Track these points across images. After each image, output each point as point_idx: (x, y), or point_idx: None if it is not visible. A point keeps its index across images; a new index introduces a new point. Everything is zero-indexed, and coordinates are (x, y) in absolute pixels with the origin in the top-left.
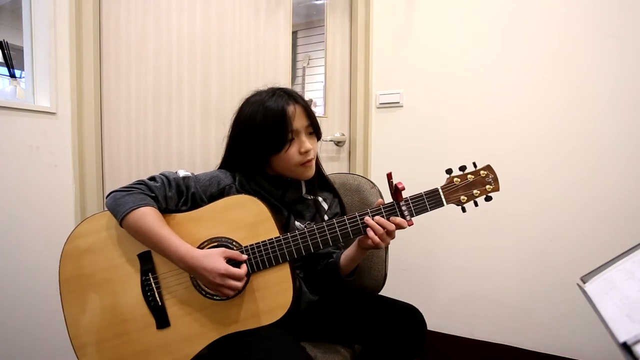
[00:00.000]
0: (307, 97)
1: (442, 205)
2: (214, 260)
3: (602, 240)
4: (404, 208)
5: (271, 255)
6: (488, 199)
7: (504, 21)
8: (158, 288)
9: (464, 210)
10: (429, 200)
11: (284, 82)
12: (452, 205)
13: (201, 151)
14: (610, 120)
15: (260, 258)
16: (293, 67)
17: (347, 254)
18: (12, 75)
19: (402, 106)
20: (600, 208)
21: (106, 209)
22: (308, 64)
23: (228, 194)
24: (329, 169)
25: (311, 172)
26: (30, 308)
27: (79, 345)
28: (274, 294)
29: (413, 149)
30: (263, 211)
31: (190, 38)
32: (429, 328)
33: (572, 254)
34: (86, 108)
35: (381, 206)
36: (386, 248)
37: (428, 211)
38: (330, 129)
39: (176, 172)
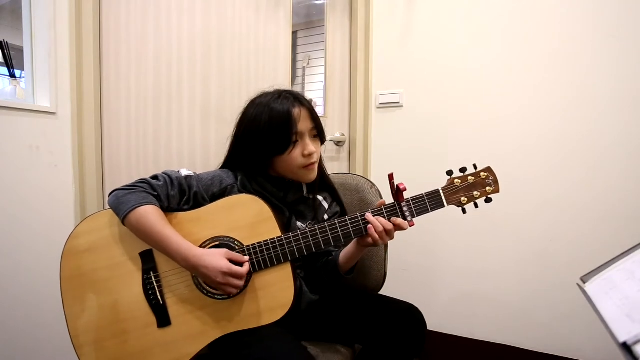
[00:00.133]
0: (307, 97)
1: (443, 206)
2: (216, 259)
3: (602, 240)
4: (405, 209)
5: (273, 254)
6: (488, 200)
7: (504, 21)
8: (159, 287)
9: (464, 211)
10: (430, 202)
11: (284, 82)
12: (453, 207)
13: (201, 151)
14: (610, 120)
15: (261, 257)
16: (293, 67)
17: (346, 251)
18: (12, 75)
19: (402, 106)
20: (600, 208)
21: (107, 207)
22: (308, 64)
23: (230, 194)
24: (329, 168)
25: (313, 175)
26: (30, 308)
27: (80, 344)
28: (275, 294)
29: (413, 149)
30: (265, 211)
31: (190, 38)
32: (429, 328)
33: (572, 254)
34: (86, 108)
35: (382, 207)
36: (386, 247)
37: (429, 212)
38: (330, 129)
39: (179, 171)
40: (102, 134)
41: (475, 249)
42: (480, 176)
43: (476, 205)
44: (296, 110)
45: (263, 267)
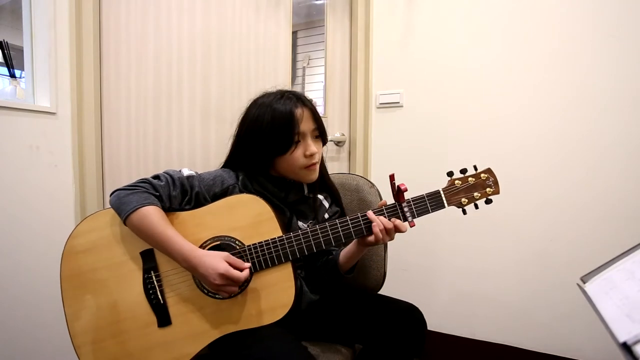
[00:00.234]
0: (308, 97)
1: (444, 207)
2: (216, 261)
3: (602, 240)
4: (405, 209)
5: (274, 254)
6: (488, 201)
7: (504, 21)
8: (160, 286)
9: (464, 212)
10: (431, 202)
11: (284, 82)
12: (453, 207)
13: (201, 151)
14: (610, 120)
15: (262, 257)
16: (293, 67)
17: (346, 251)
18: (12, 75)
19: (402, 106)
20: (600, 208)
21: (107, 207)
22: (308, 64)
23: (231, 194)
24: (329, 169)
25: (315, 175)
26: (30, 308)
27: (79, 343)
28: (275, 293)
29: (413, 149)
30: (266, 210)
31: (190, 38)
32: (429, 328)
33: (572, 254)
34: (86, 108)
35: (383, 207)
36: (385, 247)
37: (429, 212)
38: (330, 129)
39: (180, 171)
40: (102, 134)
41: (475, 249)
42: (480, 177)
43: (476, 206)
44: (298, 111)
45: (264, 266)
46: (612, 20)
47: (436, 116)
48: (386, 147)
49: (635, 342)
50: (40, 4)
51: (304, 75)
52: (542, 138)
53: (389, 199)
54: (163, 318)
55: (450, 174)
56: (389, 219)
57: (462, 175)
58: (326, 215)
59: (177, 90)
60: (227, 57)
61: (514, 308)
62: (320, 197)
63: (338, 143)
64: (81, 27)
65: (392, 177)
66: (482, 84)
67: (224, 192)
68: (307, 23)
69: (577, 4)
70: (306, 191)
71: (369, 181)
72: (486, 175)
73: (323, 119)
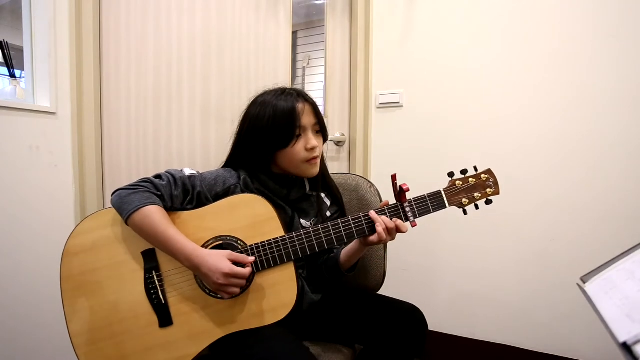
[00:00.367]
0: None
1: (445, 207)
2: (219, 260)
3: (602, 240)
4: (407, 209)
5: (276, 254)
6: (488, 202)
7: (504, 21)
8: (162, 286)
9: (465, 212)
10: (432, 202)
11: (284, 82)
12: (453, 207)
13: (201, 151)
14: (610, 120)
15: (265, 257)
16: (293, 67)
17: (347, 249)
18: (12, 75)
19: (402, 106)
20: (600, 208)
21: (107, 207)
22: (308, 64)
23: (233, 194)
24: (329, 168)
25: (316, 169)
26: (30, 308)
27: (79, 343)
28: (278, 293)
29: (413, 149)
30: (268, 210)
31: (190, 38)
32: (429, 328)
33: (572, 254)
34: (86, 108)
35: (385, 207)
36: (385, 247)
37: (431, 212)
38: (330, 129)
39: (182, 171)
40: (102, 134)
41: (475, 249)
42: (480, 178)
43: (477, 207)
44: (300, 105)
45: (266, 266)
46: (612, 20)
47: (436, 116)
48: (386, 147)
49: (635, 342)
50: (40, 4)
51: (304, 75)
52: (542, 138)
53: (389, 198)
54: (164, 318)
55: (451, 174)
56: (391, 219)
57: (462, 176)
58: (328, 214)
59: (177, 90)
60: (227, 57)
61: (514, 308)
62: (322, 195)
63: (338, 143)
64: (81, 27)
65: (394, 178)
66: (482, 84)
67: (226, 192)
68: (307, 23)
69: (577, 4)
70: (308, 188)
71: (369, 181)
72: (486, 176)
73: (324, 122)
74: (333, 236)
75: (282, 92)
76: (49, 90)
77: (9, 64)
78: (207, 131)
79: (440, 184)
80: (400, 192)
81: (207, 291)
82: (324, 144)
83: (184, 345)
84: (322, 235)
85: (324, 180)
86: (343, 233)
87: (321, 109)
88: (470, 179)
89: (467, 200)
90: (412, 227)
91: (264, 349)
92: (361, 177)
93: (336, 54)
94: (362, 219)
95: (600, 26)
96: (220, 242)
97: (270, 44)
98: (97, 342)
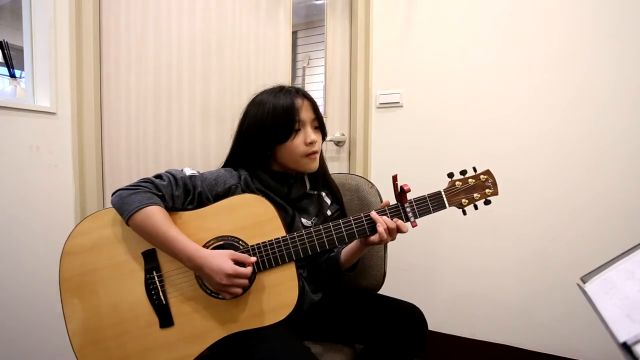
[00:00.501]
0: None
1: (445, 207)
2: (222, 260)
3: (602, 240)
4: (408, 210)
5: (277, 254)
6: (487, 202)
7: (504, 21)
8: (162, 286)
9: (464, 212)
10: (432, 203)
11: (284, 82)
12: (453, 208)
13: (201, 151)
14: (610, 120)
15: (266, 257)
16: (293, 67)
17: (348, 249)
18: (12, 75)
19: (402, 106)
20: (600, 208)
21: (107, 207)
22: (308, 64)
23: (234, 194)
24: (329, 168)
25: (315, 164)
26: (30, 308)
27: (79, 344)
28: (279, 293)
29: (413, 149)
30: (269, 210)
31: (190, 38)
32: (429, 328)
33: (572, 254)
34: (86, 108)
35: (386, 207)
36: (385, 247)
37: (431, 213)
38: (330, 129)
39: (182, 171)
40: (102, 134)
41: (475, 249)
42: (480, 179)
43: (476, 207)
44: (299, 100)
45: (267, 266)
46: (612, 20)
47: (436, 116)
48: (386, 147)
49: (635, 342)
50: (40, 4)
51: (304, 75)
52: (542, 138)
53: (388, 198)
54: (165, 319)
55: (450, 175)
56: (392, 219)
57: (462, 177)
58: (328, 212)
59: (177, 90)
60: (227, 57)
61: (514, 308)
62: (322, 193)
63: (338, 143)
64: (81, 27)
65: (394, 178)
66: (482, 84)
67: (227, 192)
68: (307, 23)
69: (577, 4)
70: (308, 187)
71: (369, 181)
72: (485, 177)
73: (323, 119)
74: (334, 236)
75: (280, 89)
76: (49, 90)
77: (9, 64)
78: (207, 131)
79: (440, 184)
80: (401, 193)
81: (209, 291)
82: (322, 142)
83: (184, 346)
84: (323, 235)
85: (324, 179)
86: (344, 233)
87: (321, 109)
88: (470, 180)
89: (467, 201)
90: (413, 227)
91: (265, 349)
92: (362, 177)
93: (336, 54)
94: (363, 219)
95: (600, 26)
96: (222, 243)
97: (270, 44)
98: (97, 343)
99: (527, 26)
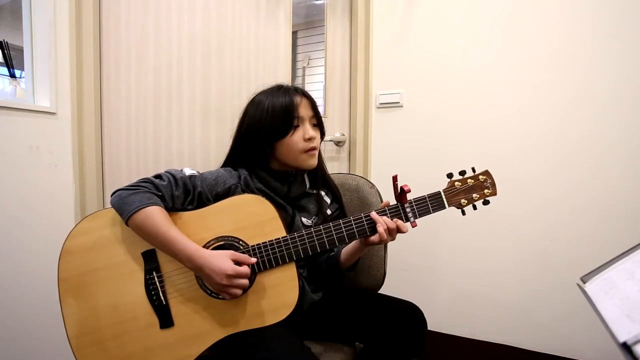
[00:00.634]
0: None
1: (444, 208)
2: (222, 261)
3: (602, 240)
4: (407, 210)
5: (277, 254)
6: (486, 202)
7: (504, 21)
8: (162, 287)
9: (463, 213)
10: (432, 203)
11: (284, 82)
12: (452, 208)
13: (201, 151)
14: (610, 120)
15: (267, 257)
16: (293, 67)
17: (348, 249)
18: (12, 75)
19: (402, 106)
20: (600, 208)
21: (107, 207)
22: (308, 64)
23: (234, 194)
24: (329, 168)
25: (314, 161)
26: (30, 308)
27: (78, 345)
28: (279, 294)
29: (413, 149)
30: (269, 210)
31: (190, 38)
32: (429, 328)
33: (572, 254)
34: (86, 108)
35: (386, 208)
36: (385, 247)
37: (430, 213)
38: (330, 129)
39: (182, 171)
40: (102, 134)
41: (475, 249)
42: (478, 179)
43: (475, 207)
44: (297, 98)
45: (267, 267)
46: (612, 20)
47: (436, 116)
48: (386, 147)
49: (635, 342)
50: (40, 4)
51: (304, 75)
52: (542, 138)
53: (388, 198)
54: (165, 319)
55: (450, 175)
56: (392, 219)
57: (461, 177)
58: (328, 211)
59: (177, 90)
60: (227, 57)
61: (514, 308)
62: (322, 192)
63: (338, 143)
64: (81, 27)
65: (395, 178)
66: (482, 84)
67: (227, 192)
68: (307, 23)
69: (577, 4)
70: (308, 185)
71: (369, 181)
72: (484, 177)
73: (323, 119)
74: (334, 236)
75: (278, 88)
76: (49, 90)
77: (9, 64)
78: (207, 131)
79: (440, 184)
80: (401, 193)
81: (209, 292)
82: (321, 141)
83: (185, 346)
84: (324, 235)
85: (323, 178)
86: (344, 233)
87: (321, 109)
88: (469, 180)
89: (466, 201)
90: (413, 227)
91: (265, 349)
92: (362, 177)
93: (336, 53)
94: (363, 219)
95: (600, 26)
96: (222, 243)
97: (270, 44)
98: (96, 344)
99: (527, 26)
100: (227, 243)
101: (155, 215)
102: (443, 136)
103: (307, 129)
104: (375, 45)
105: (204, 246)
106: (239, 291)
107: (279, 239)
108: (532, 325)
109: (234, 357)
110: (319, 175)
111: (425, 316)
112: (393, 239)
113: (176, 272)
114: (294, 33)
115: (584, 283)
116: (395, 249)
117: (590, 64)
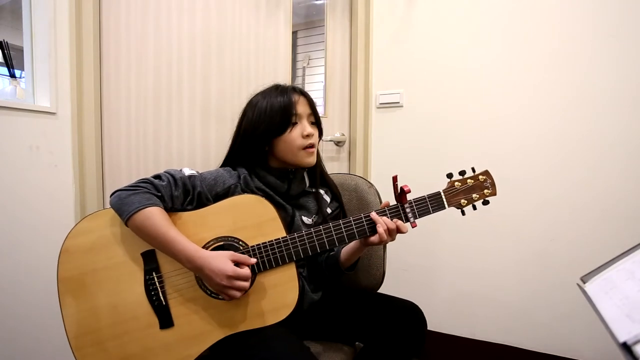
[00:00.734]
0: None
1: (444, 208)
2: (222, 262)
3: (602, 240)
4: (407, 210)
5: (277, 255)
6: (486, 203)
7: (504, 21)
8: (162, 287)
9: (463, 213)
10: (432, 203)
11: (284, 82)
12: (452, 208)
13: (201, 151)
14: (610, 120)
15: (267, 258)
16: (293, 67)
17: (347, 248)
18: (12, 75)
19: (402, 106)
20: (600, 208)
21: (107, 207)
22: (308, 64)
23: (233, 194)
24: (329, 169)
25: (312, 158)
26: (30, 308)
27: (78, 345)
28: (279, 294)
29: (413, 149)
30: (269, 210)
31: (190, 38)
32: (429, 328)
33: (572, 254)
34: (86, 108)
35: (386, 208)
36: (384, 247)
37: (430, 213)
38: (330, 129)
39: (181, 171)
40: (102, 134)
41: (475, 249)
42: (478, 179)
43: (474, 208)
44: (295, 96)
45: (267, 267)
46: (612, 20)
47: (436, 116)
48: (386, 147)
49: (635, 342)
50: (40, 4)
51: (304, 75)
52: (542, 138)
53: (388, 198)
54: (165, 319)
55: (449, 175)
56: (392, 220)
57: (461, 177)
58: (328, 210)
59: (177, 90)
60: (227, 57)
61: (514, 308)
62: (322, 191)
63: (338, 143)
64: (81, 27)
65: (395, 179)
66: (482, 84)
67: (226, 192)
68: (307, 23)
69: (577, 4)
70: (307, 184)
71: (368, 181)
72: (484, 177)
73: (323, 119)
74: (334, 236)
75: (276, 87)
76: (49, 90)
77: (9, 64)
78: (207, 131)
79: (440, 184)
80: (401, 193)
81: (209, 292)
82: (319, 140)
83: (185, 347)
84: (324, 235)
85: (322, 177)
86: (344, 233)
87: (321, 109)
88: (469, 180)
89: (466, 201)
90: (412, 227)
91: (266, 349)
92: (361, 177)
93: (336, 54)
94: (363, 219)
95: (600, 26)
96: (222, 243)
97: (270, 44)
98: (96, 344)
99: (527, 26)
100: (226, 243)
101: (154, 215)
102: (443, 136)
103: (305, 126)
104: (375, 45)
105: (204, 247)
106: (238, 293)
107: (278, 239)
108: (532, 325)
109: (234, 357)
110: (318, 173)
111: (426, 316)
112: (393, 239)
113: (176, 272)
114: (294, 33)
115: (584, 283)
116: (395, 249)
117: (590, 64)
